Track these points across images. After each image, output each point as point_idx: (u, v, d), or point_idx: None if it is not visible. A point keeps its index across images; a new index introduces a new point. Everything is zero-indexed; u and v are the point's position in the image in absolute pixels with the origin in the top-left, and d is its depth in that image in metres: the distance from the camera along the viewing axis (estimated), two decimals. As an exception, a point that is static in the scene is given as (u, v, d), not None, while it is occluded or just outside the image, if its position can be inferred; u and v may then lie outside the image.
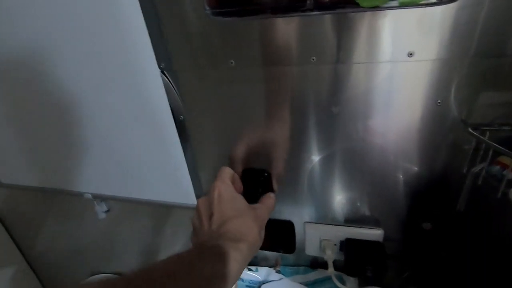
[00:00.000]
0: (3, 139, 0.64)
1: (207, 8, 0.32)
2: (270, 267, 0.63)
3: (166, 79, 0.47)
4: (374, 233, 0.51)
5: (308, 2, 0.28)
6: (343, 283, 0.54)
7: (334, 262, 0.54)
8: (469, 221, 0.43)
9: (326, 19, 0.35)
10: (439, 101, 0.38)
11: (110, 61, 0.45)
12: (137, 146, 0.53)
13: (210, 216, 0.37)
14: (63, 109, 0.54)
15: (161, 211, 0.67)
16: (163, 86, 0.46)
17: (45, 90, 0.53)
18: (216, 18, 0.34)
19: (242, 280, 0.61)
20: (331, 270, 0.52)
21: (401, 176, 0.46)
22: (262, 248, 0.61)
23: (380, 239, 0.51)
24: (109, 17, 0.41)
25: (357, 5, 0.27)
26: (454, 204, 0.43)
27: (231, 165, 0.53)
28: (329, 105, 0.43)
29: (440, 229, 0.47)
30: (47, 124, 0.58)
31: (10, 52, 0.50)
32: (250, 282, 0.61)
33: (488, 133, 0.37)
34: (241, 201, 0.40)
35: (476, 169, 0.38)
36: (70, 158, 0.61)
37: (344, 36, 0.36)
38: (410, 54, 0.36)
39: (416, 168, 0.45)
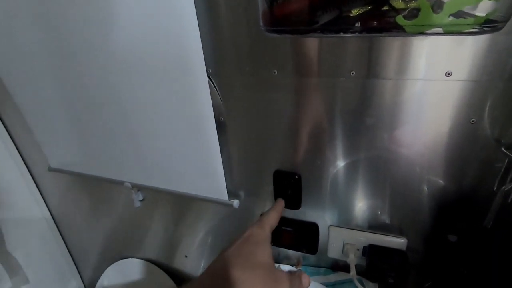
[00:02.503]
0: (56, 128, 0.71)
1: (262, 25, 0.35)
2: (291, 265, 0.66)
3: (211, 83, 0.52)
4: (397, 242, 0.53)
5: (356, 25, 0.31)
6: (364, 287, 0.56)
7: (356, 266, 0.56)
8: (496, 238, 0.44)
9: (370, 38, 0.37)
10: (473, 119, 0.40)
11: (164, 63, 0.50)
12: (177, 142, 0.58)
13: (229, 247, 0.34)
14: (113, 103, 0.59)
15: (193, 205, 0.72)
16: (209, 89, 0.50)
17: (98, 86, 0.58)
18: (270, 34, 0.37)
19: (265, 276, 0.65)
20: (353, 273, 0.54)
21: (428, 188, 0.48)
22: (286, 247, 0.65)
23: (403, 247, 0.53)
24: (168, 27, 0.45)
25: (403, 29, 0.29)
26: (481, 220, 0.44)
27: (264, 165, 0.57)
28: (364, 116, 0.45)
29: (465, 243, 0.48)
30: (96, 117, 0.63)
31: (70, 54, 0.56)
32: (272, 278, 0.64)
33: (521, 154, 0.38)
34: (265, 253, 0.34)
35: (506, 187, 0.39)
36: (115, 148, 0.66)
37: (385, 54, 0.39)
38: (448, 74, 0.38)
39: (444, 181, 0.46)
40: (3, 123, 0.83)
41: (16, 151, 0.86)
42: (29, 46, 0.60)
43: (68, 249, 1.04)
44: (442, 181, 0.46)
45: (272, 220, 0.39)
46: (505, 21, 0.28)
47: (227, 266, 0.31)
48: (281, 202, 0.44)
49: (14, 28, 0.58)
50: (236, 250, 0.33)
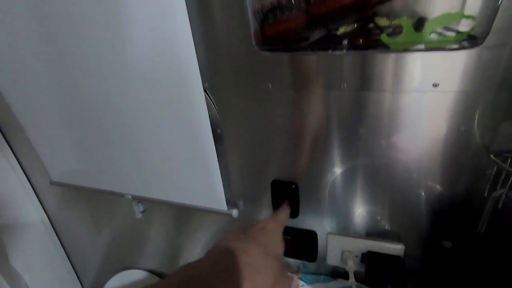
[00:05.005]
0: (56, 142, 0.72)
1: (254, 43, 0.37)
2: (291, 273, 0.66)
3: (208, 96, 0.53)
4: (395, 248, 0.54)
5: (344, 42, 0.33)
6: (363, 293, 0.57)
7: (355, 273, 0.56)
8: (489, 242, 0.45)
9: (358, 53, 0.39)
10: (462, 128, 0.41)
11: (161, 78, 0.51)
12: (176, 154, 0.59)
13: (242, 233, 0.34)
14: (113, 117, 0.61)
15: (193, 215, 0.73)
16: (205, 103, 0.51)
17: (98, 101, 0.60)
18: (262, 52, 0.39)
19: (265, 284, 0.65)
20: (352, 280, 0.55)
21: (423, 195, 0.49)
22: (285, 255, 0.65)
23: (401, 254, 0.53)
24: (164, 43, 0.47)
25: (387, 47, 0.31)
26: (475, 225, 0.45)
27: (261, 175, 0.58)
28: (357, 127, 0.46)
29: (460, 248, 0.49)
30: (96, 131, 0.65)
31: (71, 68, 0.58)
32: (273, 286, 0.65)
33: (510, 160, 0.39)
34: (279, 246, 0.34)
35: (497, 193, 0.40)
36: (115, 161, 0.67)
37: (373, 68, 0.40)
38: (435, 85, 0.39)
39: (438, 188, 0.47)
40: (5, 138, 0.84)
41: (18, 165, 0.87)
42: (30, 60, 0.61)
43: (70, 261, 1.05)
44: (436, 188, 0.47)
45: (284, 219, 0.40)
46: (484, 37, 0.29)
47: (245, 250, 0.30)
48: (287, 208, 0.45)
49: (15, 41, 0.60)
50: (254, 236, 0.32)
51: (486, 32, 0.29)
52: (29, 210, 0.92)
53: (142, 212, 0.77)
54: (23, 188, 0.90)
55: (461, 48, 0.29)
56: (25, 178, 0.89)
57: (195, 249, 0.79)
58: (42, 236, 0.96)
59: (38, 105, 0.68)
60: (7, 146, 0.85)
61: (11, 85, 0.68)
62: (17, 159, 0.87)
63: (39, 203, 0.93)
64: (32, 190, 0.91)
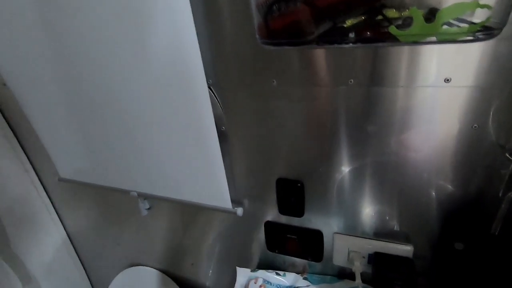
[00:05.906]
0: (65, 139, 0.73)
1: (258, 37, 0.36)
2: (297, 273, 0.65)
3: (212, 93, 0.52)
4: (404, 249, 0.52)
5: (350, 35, 0.31)
6: (370, 295, 0.55)
7: (362, 274, 0.55)
8: (503, 244, 0.43)
9: (366, 47, 0.37)
10: (475, 125, 0.39)
11: (165, 75, 0.51)
12: (181, 152, 0.59)
13: None
14: (119, 116, 0.61)
15: (198, 212, 0.73)
16: (209, 100, 0.51)
17: (104, 99, 0.60)
18: (266, 46, 0.38)
19: (270, 284, 0.64)
20: (358, 281, 0.53)
21: (433, 194, 0.47)
22: (291, 255, 0.65)
23: (410, 255, 0.52)
24: (168, 40, 0.46)
25: (397, 39, 0.29)
26: (489, 227, 0.43)
27: (266, 173, 0.57)
28: (365, 124, 0.45)
29: (473, 250, 0.47)
30: (103, 129, 0.65)
31: (78, 67, 0.58)
32: (278, 286, 0.64)
33: (526, 159, 0.37)
34: None
35: (512, 194, 0.38)
36: (121, 159, 0.68)
37: (382, 62, 0.39)
38: (447, 80, 0.37)
39: (449, 187, 0.46)
40: (16, 137, 0.86)
41: (29, 163, 0.89)
42: (39, 60, 0.62)
43: (78, 257, 1.06)
44: (448, 188, 0.46)
45: None
46: (500, 28, 0.28)
47: None
48: None
49: (26, 41, 0.60)
50: None
51: (503, 23, 0.27)
52: (40, 207, 0.93)
53: (148, 209, 0.77)
54: (33, 186, 0.91)
55: (476, 40, 0.28)
56: (35, 176, 0.91)
57: (200, 248, 0.79)
58: (50, 231, 0.98)
59: (47, 104, 0.68)
60: (18, 145, 0.86)
61: (21, 84, 0.69)
62: (28, 157, 0.88)
63: (49, 200, 0.95)
64: (42, 187, 0.93)
